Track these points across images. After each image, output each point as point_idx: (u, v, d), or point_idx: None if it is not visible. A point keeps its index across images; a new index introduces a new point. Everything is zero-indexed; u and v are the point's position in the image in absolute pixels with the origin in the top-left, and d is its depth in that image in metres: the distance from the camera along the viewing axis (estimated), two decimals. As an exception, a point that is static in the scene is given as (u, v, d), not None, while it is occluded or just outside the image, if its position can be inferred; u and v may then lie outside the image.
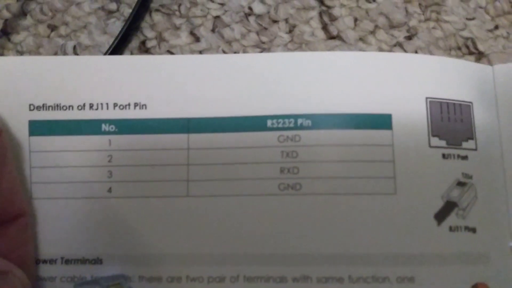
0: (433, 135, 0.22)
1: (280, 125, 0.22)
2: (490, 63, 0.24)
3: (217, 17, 0.25)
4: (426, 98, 0.22)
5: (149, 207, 0.21)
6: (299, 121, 0.22)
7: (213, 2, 0.26)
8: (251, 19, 0.25)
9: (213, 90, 0.22)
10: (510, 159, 0.22)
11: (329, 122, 0.22)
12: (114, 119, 0.22)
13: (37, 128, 0.22)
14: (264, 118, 0.22)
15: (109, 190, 0.22)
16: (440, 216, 0.21)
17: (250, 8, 0.26)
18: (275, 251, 0.21)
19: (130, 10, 0.25)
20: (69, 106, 0.22)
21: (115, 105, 0.22)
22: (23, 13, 0.26)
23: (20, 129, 0.22)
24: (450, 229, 0.21)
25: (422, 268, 0.21)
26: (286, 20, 0.25)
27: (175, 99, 0.22)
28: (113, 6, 0.26)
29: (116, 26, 0.25)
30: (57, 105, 0.22)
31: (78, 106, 0.22)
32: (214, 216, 0.21)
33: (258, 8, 0.26)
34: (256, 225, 0.21)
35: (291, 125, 0.22)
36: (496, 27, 0.25)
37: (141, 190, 0.22)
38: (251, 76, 0.22)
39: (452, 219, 0.21)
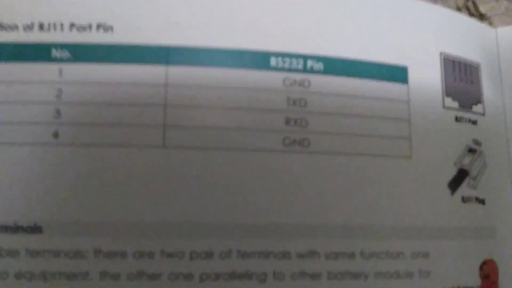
0: (447, 95, 0.19)
1: (286, 65, 0.17)
2: (491, 26, 0.23)
3: None
4: (441, 53, 0.19)
5: (108, 159, 0.16)
6: (309, 63, 0.18)
7: None
8: None
9: (202, 13, 0.17)
10: (514, 128, 0.21)
11: (343, 68, 0.18)
12: (69, 43, 0.16)
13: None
14: (267, 54, 0.17)
15: (55, 135, 0.16)
16: (454, 185, 0.19)
17: None
18: (276, 221, 0.17)
19: None
20: (13, 26, 0.16)
21: (71, 25, 0.16)
22: None
23: None
24: (463, 199, 0.19)
25: (436, 242, 0.18)
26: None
27: (152, 21, 0.17)
28: None
29: None
30: None
31: (24, 26, 0.16)
32: (198, 174, 0.16)
33: None
34: (253, 188, 0.17)
35: (300, 66, 0.17)
36: (499, -12, 0.23)
37: (98, 136, 0.16)
38: (251, 0, 0.18)
39: (464, 189, 0.19)
